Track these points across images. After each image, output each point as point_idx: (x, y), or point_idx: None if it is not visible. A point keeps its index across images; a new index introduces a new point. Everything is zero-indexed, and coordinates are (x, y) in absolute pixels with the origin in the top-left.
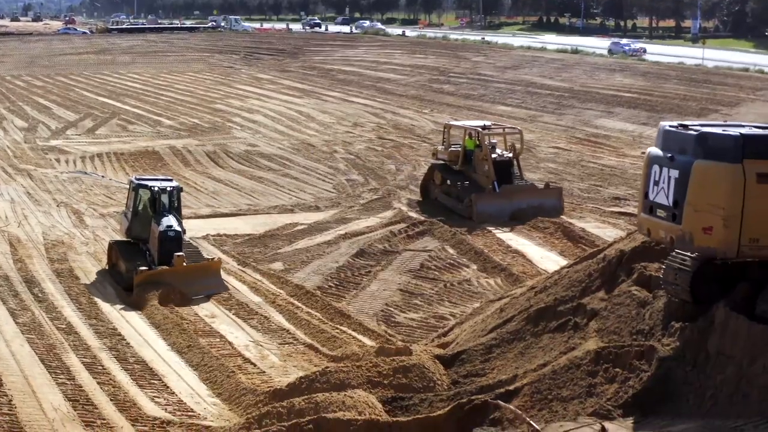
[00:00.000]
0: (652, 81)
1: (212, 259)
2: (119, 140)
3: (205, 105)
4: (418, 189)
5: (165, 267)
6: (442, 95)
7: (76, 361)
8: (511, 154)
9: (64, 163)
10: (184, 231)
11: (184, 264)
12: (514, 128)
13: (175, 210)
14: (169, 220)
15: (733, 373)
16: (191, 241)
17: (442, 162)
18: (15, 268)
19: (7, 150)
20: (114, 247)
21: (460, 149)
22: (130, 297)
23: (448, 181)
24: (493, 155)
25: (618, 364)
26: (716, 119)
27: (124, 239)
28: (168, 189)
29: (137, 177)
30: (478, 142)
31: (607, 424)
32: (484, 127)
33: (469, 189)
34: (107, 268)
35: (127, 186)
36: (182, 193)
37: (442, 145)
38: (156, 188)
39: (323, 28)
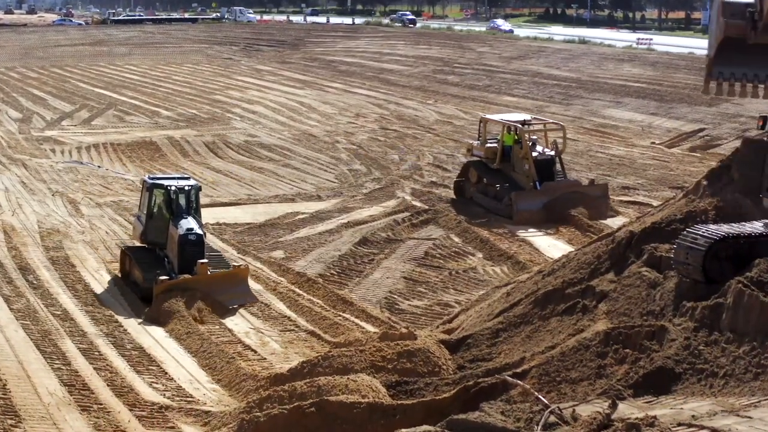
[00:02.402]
0: (661, 71)
1: (239, 265)
2: (116, 131)
3: (203, 96)
4: (420, 177)
5: (187, 276)
6: (447, 86)
7: (72, 347)
8: (553, 152)
9: (59, 154)
10: (204, 234)
11: (209, 272)
12: (556, 123)
13: (194, 211)
14: (189, 223)
15: (747, 351)
16: (212, 245)
17: (477, 159)
18: (9, 255)
19: (1, 140)
20: (127, 253)
21: (497, 145)
22: (150, 310)
23: (485, 180)
24: (534, 153)
25: (628, 344)
26: (727, 109)
27: (138, 244)
28: (186, 188)
29: (150, 176)
30: (517, 138)
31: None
32: (524, 122)
33: (508, 189)
34: (120, 276)
35: (140, 185)
36: None
37: (478, 140)
38: (172, 188)
39: (417, 25)
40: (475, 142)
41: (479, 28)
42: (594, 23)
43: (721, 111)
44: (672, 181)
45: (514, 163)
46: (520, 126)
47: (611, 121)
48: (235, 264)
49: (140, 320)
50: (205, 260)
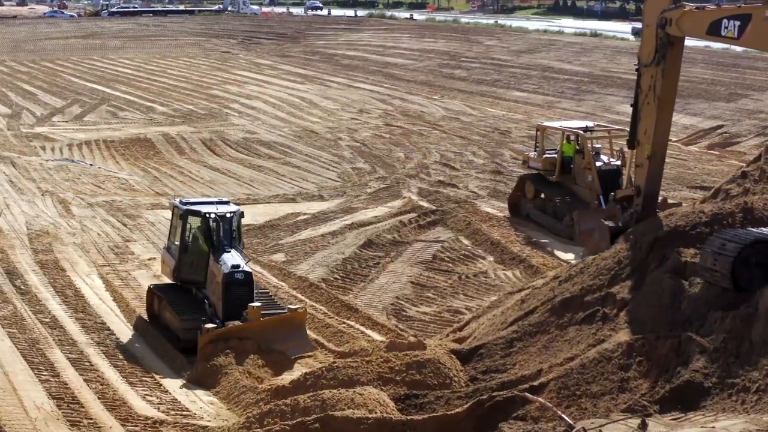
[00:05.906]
0: None
1: (296, 308)
2: (109, 127)
3: (200, 91)
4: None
5: (237, 322)
6: (453, 80)
7: (61, 357)
8: (619, 162)
9: (49, 151)
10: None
11: (261, 318)
12: (622, 129)
13: (237, 241)
14: (233, 258)
15: None
16: (258, 282)
17: (535, 172)
18: None
19: None
20: (156, 294)
21: (556, 156)
22: (195, 369)
23: (543, 195)
24: (598, 163)
25: (653, 356)
26: (746, 104)
27: (169, 282)
28: (227, 216)
29: (183, 200)
30: (578, 147)
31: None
32: (585, 129)
33: (569, 204)
34: (147, 319)
35: (170, 210)
36: (177, 183)
37: (535, 151)
38: (211, 216)
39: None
40: (532, 153)
41: (485, 21)
42: (606, 15)
43: (740, 107)
44: (690, 181)
45: (576, 175)
46: (581, 133)
47: (625, 118)
48: (290, 306)
49: (182, 381)
50: (257, 303)
